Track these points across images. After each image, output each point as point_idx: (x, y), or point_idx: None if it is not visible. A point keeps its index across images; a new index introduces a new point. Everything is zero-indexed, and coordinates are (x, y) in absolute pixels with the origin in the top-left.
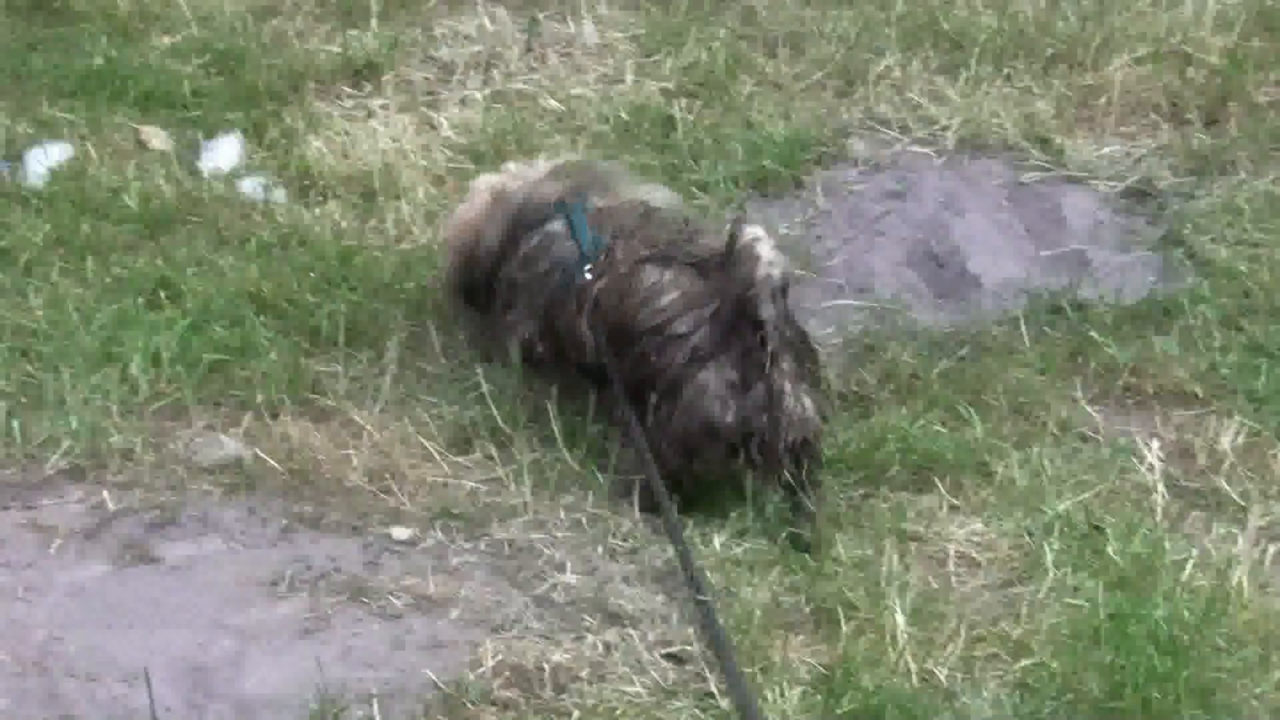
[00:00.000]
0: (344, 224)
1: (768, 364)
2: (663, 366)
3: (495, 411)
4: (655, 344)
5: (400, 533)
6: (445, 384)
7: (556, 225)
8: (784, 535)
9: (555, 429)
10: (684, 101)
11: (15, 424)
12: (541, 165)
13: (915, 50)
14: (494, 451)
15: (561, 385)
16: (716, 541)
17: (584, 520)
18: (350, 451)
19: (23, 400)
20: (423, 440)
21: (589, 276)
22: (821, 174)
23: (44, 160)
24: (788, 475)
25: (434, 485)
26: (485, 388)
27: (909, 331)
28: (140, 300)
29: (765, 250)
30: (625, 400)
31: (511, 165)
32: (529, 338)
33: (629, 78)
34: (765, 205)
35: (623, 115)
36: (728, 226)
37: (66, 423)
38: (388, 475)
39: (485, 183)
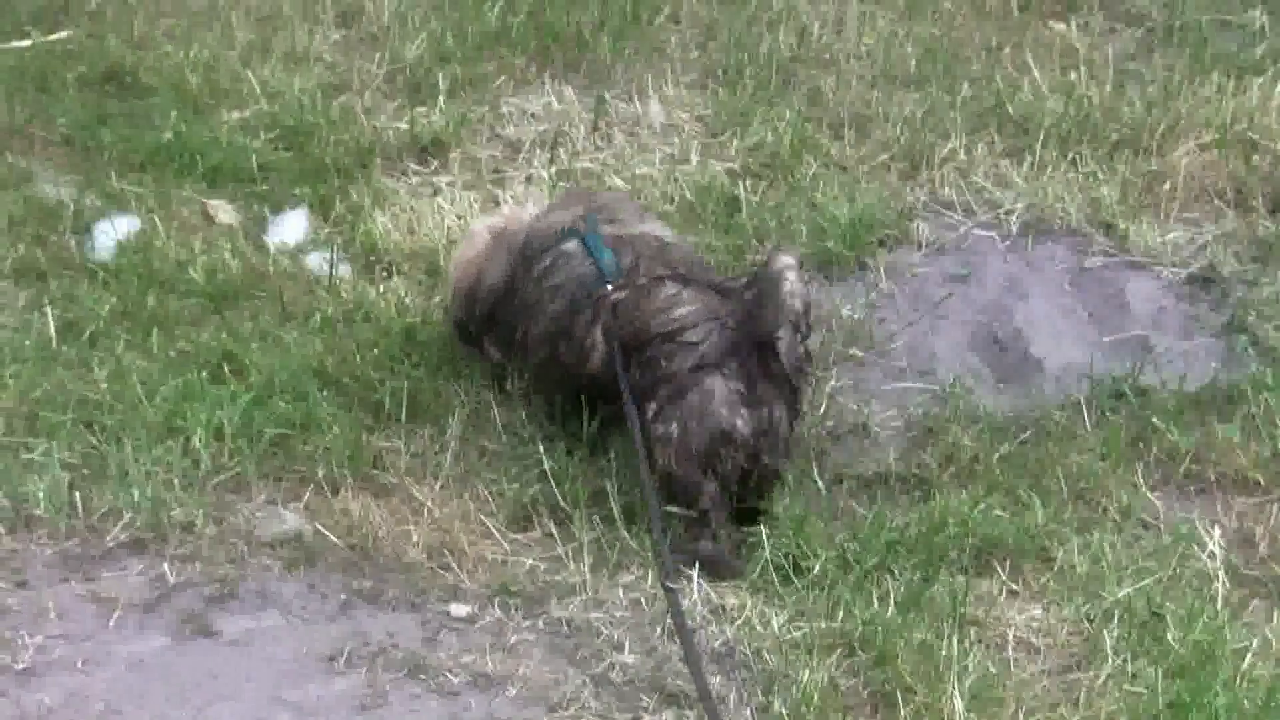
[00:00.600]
0: (408, 300)
1: (773, 387)
2: (670, 372)
3: (556, 489)
4: (666, 350)
5: (459, 609)
6: (506, 461)
7: (570, 245)
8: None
9: (615, 508)
10: (749, 182)
11: (77, 495)
12: (532, 206)
13: (980, 134)
14: (554, 529)
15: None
16: (775, 623)
17: (643, 600)
18: (410, 527)
19: (85, 472)
20: (483, 517)
21: (609, 288)
22: (885, 256)
23: (112, 233)
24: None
25: (493, 562)
26: (546, 465)
27: (971, 415)
28: (204, 374)
29: (791, 278)
30: (634, 404)
31: (505, 207)
32: (531, 344)
33: (694, 157)
34: (829, 287)
35: (688, 195)
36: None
37: (128, 495)
38: (447, 552)
39: (483, 224)
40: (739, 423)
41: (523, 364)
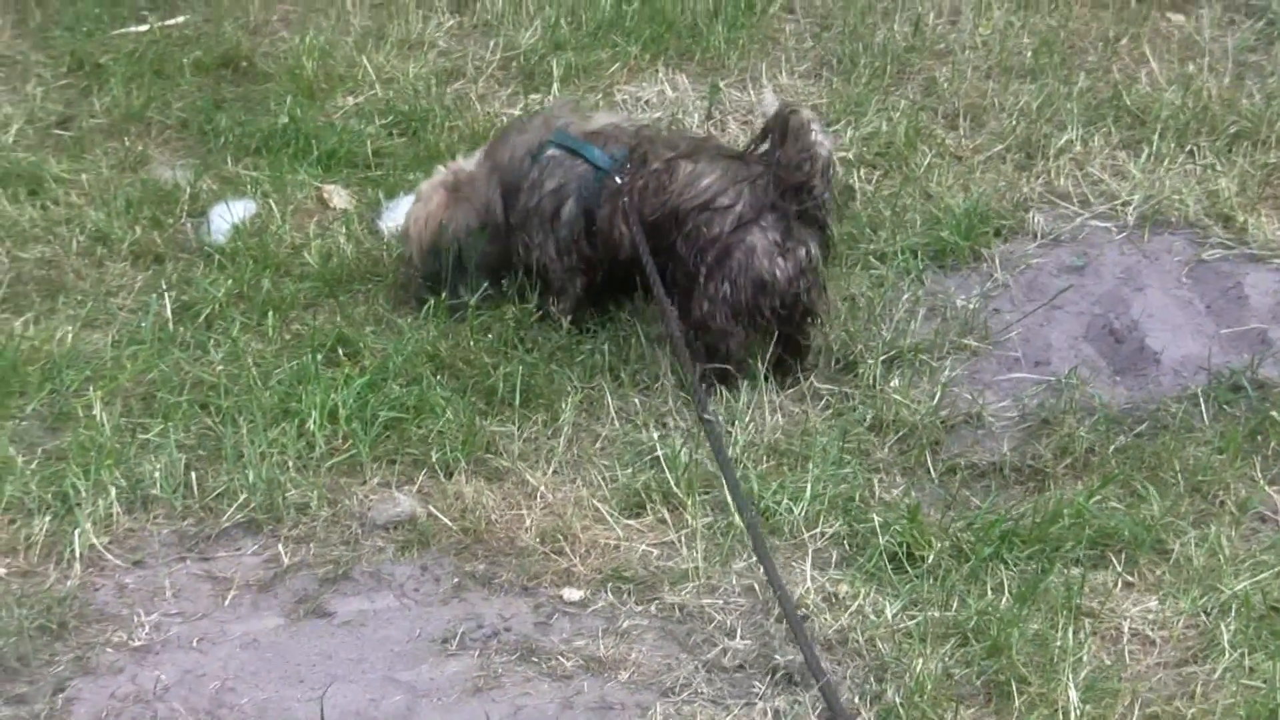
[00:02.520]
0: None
1: (806, 229)
2: (713, 237)
3: (668, 475)
4: (704, 218)
5: (571, 594)
6: (619, 447)
7: (552, 151)
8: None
9: (728, 494)
10: (863, 171)
11: (193, 476)
12: (462, 160)
13: (1097, 125)
14: (666, 515)
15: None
16: (889, 611)
17: (755, 586)
18: (523, 512)
19: (201, 453)
20: (595, 502)
21: (620, 180)
22: (1000, 247)
23: (227, 217)
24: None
25: (606, 548)
26: (659, 452)
27: (1086, 407)
28: (319, 357)
29: (817, 128)
30: (659, 284)
31: (445, 165)
32: (554, 252)
33: None
34: (943, 277)
35: None
36: (774, 111)
37: (244, 476)
38: (560, 536)
39: (432, 183)
40: (778, 272)
41: (547, 273)
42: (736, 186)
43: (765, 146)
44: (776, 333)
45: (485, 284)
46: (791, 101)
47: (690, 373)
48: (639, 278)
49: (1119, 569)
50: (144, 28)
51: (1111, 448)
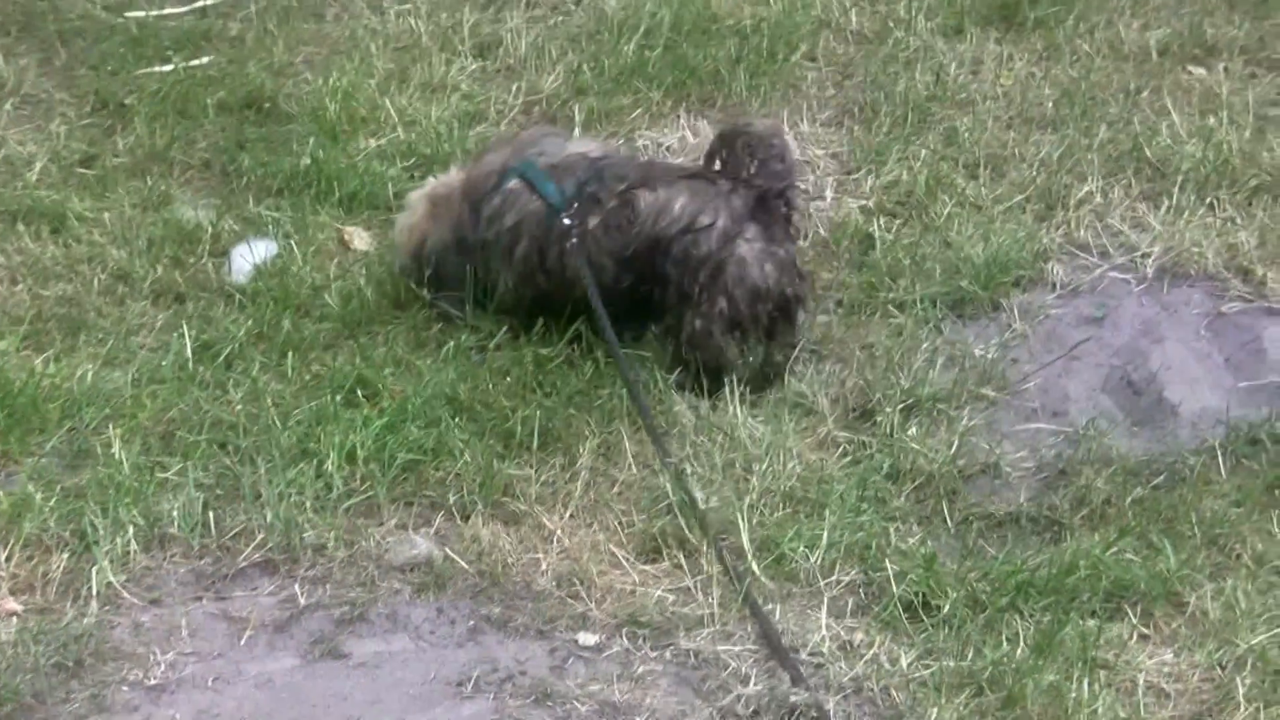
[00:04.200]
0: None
1: (780, 230)
2: (702, 256)
3: (684, 521)
4: (689, 240)
5: (587, 638)
6: (636, 492)
7: (513, 183)
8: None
9: (744, 541)
10: (883, 219)
11: (211, 515)
12: (455, 170)
13: (1117, 176)
14: (683, 561)
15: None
16: (904, 660)
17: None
18: (540, 555)
19: (219, 492)
20: (612, 547)
21: (567, 222)
22: (1019, 297)
23: (249, 257)
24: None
25: (622, 592)
26: (674, 498)
27: (1103, 457)
28: (338, 398)
29: (788, 138)
30: (608, 324)
31: (431, 178)
32: (511, 284)
33: (829, 194)
34: (962, 326)
35: (821, 232)
36: (722, 131)
37: (261, 516)
38: (576, 580)
39: (418, 194)
40: (769, 277)
41: (509, 300)
42: (712, 204)
43: (718, 163)
44: (765, 334)
45: (462, 294)
46: (739, 119)
47: (647, 420)
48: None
49: (1135, 621)
50: (168, 68)
51: (1129, 499)
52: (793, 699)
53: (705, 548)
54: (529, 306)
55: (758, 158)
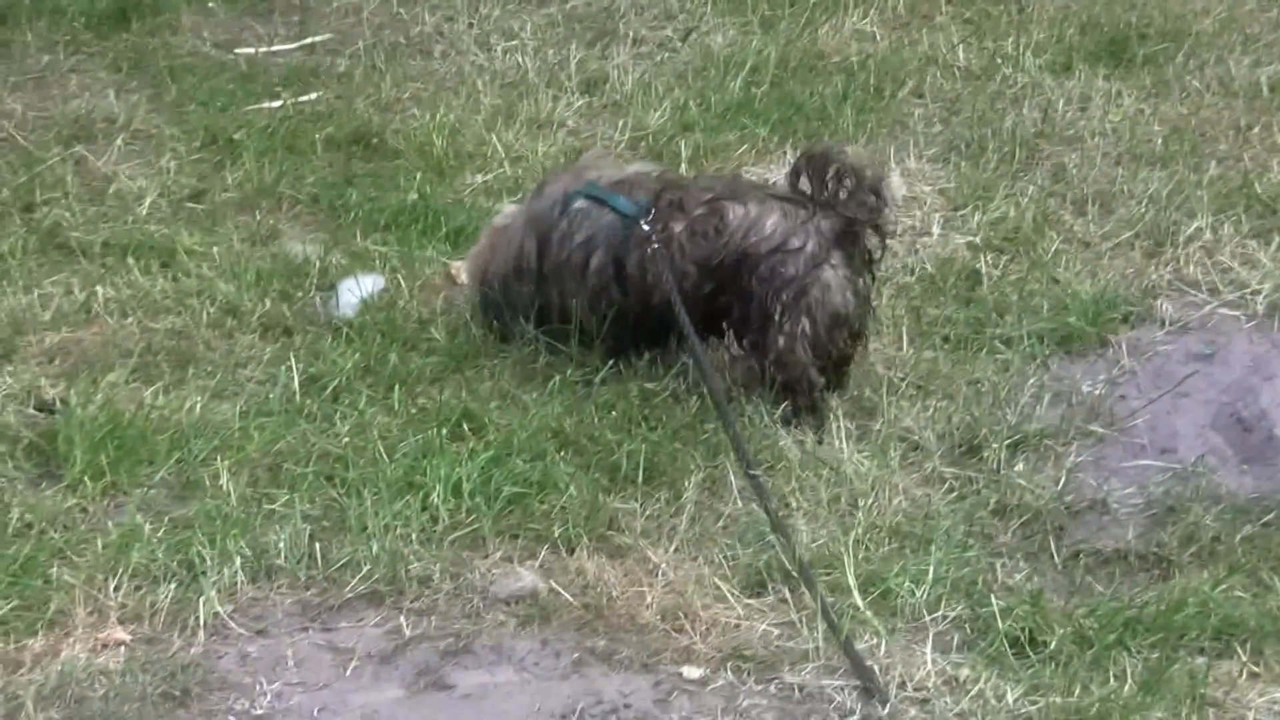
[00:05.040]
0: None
1: (860, 261)
2: (790, 277)
3: (784, 557)
4: (778, 259)
5: (692, 672)
6: (741, 526)
7: (580, 204)
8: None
9: (849, 576)
10: (990, 256)
11: (317, 547)
12: (512, 206)
13: (1227, 213)
14: (787, 595)
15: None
16: (1010, 697)
17: (876, 668)
18: (645, 589)
19: (325, 524)
20: (717, 581)
21: (647, 227)
22: (1127, 333)
23: (356, 291)
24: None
25: (726, 626)
26: (771, 536)
27: (1213, 495)
28: (444, 431)
29: (895, 182)
30: (690, 326)
31: (506, 206)
32: (586, 305)
33: (935, 230)
34: (1069, 363)
35: (928, 267)
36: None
37: (367, 548)
38: (681, 614)
39: (490, 225)
40: (849, 305)
41: (584, 320)
42: (803, 228)
43: (803, 183)
44: (837, 361)
45: (523, 322)
46: (829, 143)
47: (730, 426)
48: (672, 322)
49: (1244, 659)
50: (277, 104)
51: (1238, 537)
52: None
53: (800, 585)
54: (598, 326)
55: (848, 186)
